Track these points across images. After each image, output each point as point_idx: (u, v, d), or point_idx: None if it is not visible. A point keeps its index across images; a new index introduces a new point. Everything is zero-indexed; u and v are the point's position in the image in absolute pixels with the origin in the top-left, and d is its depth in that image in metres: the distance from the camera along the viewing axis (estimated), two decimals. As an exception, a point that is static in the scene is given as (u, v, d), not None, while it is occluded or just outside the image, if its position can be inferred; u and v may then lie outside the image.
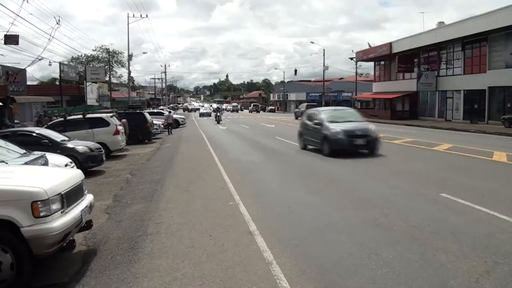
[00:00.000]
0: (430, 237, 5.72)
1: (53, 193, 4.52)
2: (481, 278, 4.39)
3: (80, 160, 11.64)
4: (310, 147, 16.25)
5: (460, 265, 4.72)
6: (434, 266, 4.73)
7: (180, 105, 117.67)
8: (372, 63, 53.93)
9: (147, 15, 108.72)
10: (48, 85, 58.11)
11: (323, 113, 15.93)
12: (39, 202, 4.33)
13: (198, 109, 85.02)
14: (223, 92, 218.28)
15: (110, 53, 64.31)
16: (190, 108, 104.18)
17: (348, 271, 4.64)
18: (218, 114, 43.43)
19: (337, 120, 15.00)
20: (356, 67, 57.41)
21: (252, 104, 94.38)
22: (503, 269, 4.60)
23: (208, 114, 62.27)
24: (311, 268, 4.76)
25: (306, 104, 53.80)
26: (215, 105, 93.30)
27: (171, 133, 29.21)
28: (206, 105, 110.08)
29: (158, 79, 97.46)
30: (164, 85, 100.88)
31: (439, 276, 4.44)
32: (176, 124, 33.69)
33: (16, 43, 28.17)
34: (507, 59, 30.14)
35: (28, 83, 39.50)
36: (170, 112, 36.53)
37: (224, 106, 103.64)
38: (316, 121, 15.49)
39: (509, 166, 11.99)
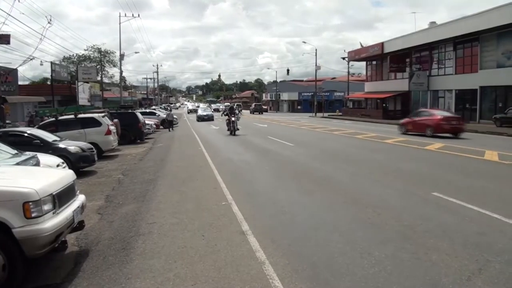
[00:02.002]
0: (422, 236, 5.76)
1: (44, 194, 4.49)
2: (473, 276, 4.43)
3: (72, 160, 11.57)
4: None
5: (452, 263, 4.76)
6: (426, 264, 4.76)
7: (172, 105, 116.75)
8: (364, 63, 54.14)
9: (139, 15, 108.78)
10: (39, 85, 57.55)
11: None
12: (30, 203, 4.30)
13: (196, 111, 64.21)
14: (216, 92, 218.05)
15: (102, 53, 63.85)
16: (191, 108, 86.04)
17: (340, 270, 4.65)
18: (233, 119, 24.76)
19: None
20: (348, 67, 57.66)
21: (235, 104, 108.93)
22: (494, 267, 4.65)
23: (209, 118, 44.17)
24: (303, 267, 4.77)
25: (254, 104, 63.45)
26: (213, 105, 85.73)
27: (172, 129, 31.66)
28: (202, 105, 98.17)
29: (150, 78, 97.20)
30: (156, 84, 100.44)
31: (431, 275, 4.47)
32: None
33: (8, 42, 28.02)
34: (498, 59, 30.41)
35: (20, 83, 39.24)
36: (170, 110, 43.33)
37: (218, 105, 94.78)
38: None
39: (500, 165, 12.12)
